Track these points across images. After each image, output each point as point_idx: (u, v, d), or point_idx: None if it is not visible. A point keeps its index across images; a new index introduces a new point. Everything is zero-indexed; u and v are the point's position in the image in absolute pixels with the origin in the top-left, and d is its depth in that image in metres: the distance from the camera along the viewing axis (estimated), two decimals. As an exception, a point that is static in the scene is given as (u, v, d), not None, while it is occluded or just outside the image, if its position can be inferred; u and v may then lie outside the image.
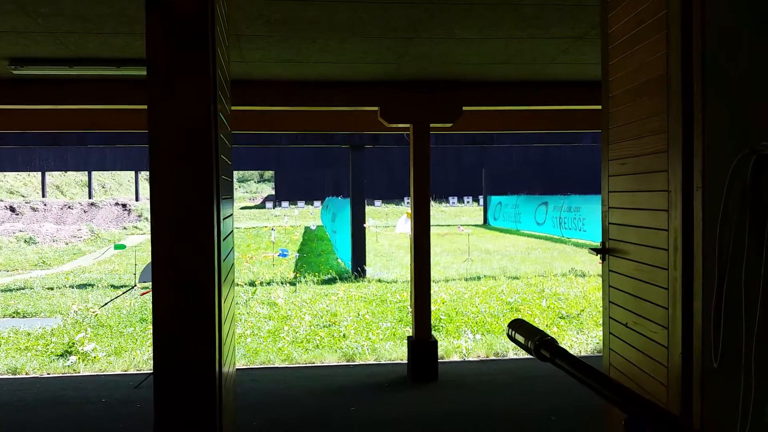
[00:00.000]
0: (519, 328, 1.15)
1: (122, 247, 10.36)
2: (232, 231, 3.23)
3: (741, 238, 1.66)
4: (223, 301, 2.34)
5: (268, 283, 12.64)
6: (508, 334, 1.20)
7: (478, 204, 39.49)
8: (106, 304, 10.19)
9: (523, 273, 13.97)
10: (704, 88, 1.93)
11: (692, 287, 2.04)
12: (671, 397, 2.18)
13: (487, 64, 5.21)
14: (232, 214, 3.19)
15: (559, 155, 42.07)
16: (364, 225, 13.90)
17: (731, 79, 1.81)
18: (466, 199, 43.43)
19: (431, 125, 6.10)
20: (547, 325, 8.85)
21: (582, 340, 8.06)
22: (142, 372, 6.66)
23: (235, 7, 3.59)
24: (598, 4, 3.51)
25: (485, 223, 32.61)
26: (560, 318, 9.25)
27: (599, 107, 6.31)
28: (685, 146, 2.06)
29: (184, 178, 1.94)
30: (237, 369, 5.82)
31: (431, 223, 6.36)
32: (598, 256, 2.81)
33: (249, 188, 64.89)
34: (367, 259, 14.20)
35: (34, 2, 3.50)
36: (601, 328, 8.78)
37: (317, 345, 7.76)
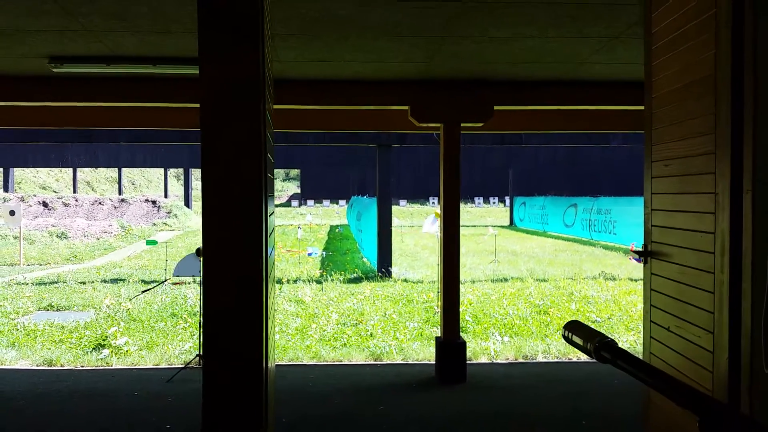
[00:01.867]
0: (576, 329, 1.14)
1: (154, 243, 10.53)
2: (275, 228, 3.27)
3: (796, 242, 1.63)
4: (269, 296, 2.36)
5: (295, 281, 12.73)
6: (564, 336, 1.19)
7: (504, 205, 39.22)
8: (137, 295, 10.37)
9: (551, 275, 13.83)
10: (756, 88, 1.89)
11: (740, 291, 2.00)
12: (716, 403, 2.13)
13: (519, 63, 5.18)
14: (274, 212, 3.23)
15: (588, 156, 41.57)
16: (391, 227, 13.91)
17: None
18: (492, 199, 43.18)
19: (462, 125, 6.08)
20: (575, 328, 8.73)
21: (612, 344, 7.94)
22: (173, 366, 6.76)
23: (270, 3, 3.63)
24: (636, 3, 3.48)
25: (511, 224, 32.37)
26: (590, 322, 9.13)
27: (631, 107, 6.35)
28: (734, 148, 2.02)
29: (236, 174, 1.97)
30: (267, 365, 5.88)
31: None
32: (639, 258, 2.77)
33: (275, 186, 65.42)
34: (392, 258, 14.20)
35: (74, 2, 3.58)
36: (630, 333, 8.70)
37: (345, 343, 7.79)
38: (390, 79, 5.79)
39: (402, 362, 7.03)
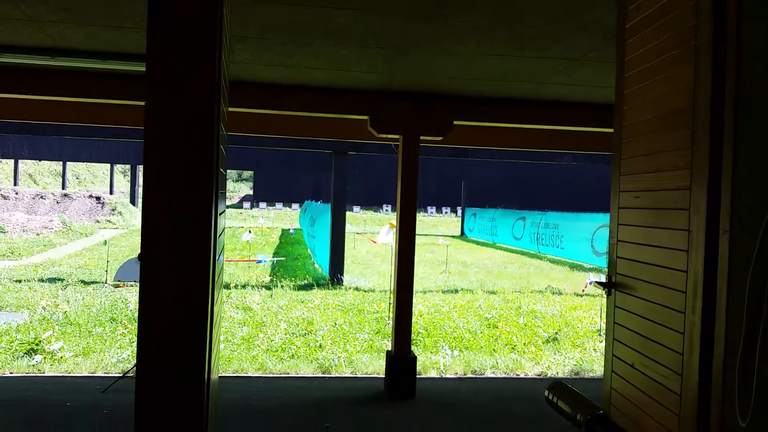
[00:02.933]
0: (563, 395, 1.02)
1: (105, 243, 10.07)
2: (224, 229, 3.08)
3: (779, 291, 1.56)
4: (215, 303, 2.20)
5: (243, 287, 12.39)
6: (547, 398, 1.07)
7: (456, 215, 39.57)
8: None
9: (500, 288, 13.93)
10: (736, 123, 1.83)
11: (712, 335, 1.93)
12: (682, 447, 2.08)
13: (481, 80, 5.13)
14: (225, 211, 3.05)
15: (538, 172, 42.43)
16: (344, 234, 13.74)
17: (770, 119, 1.72)
18: (444, 209, 43.50)
19: (421, 138, 5.99)
20: (525, 344, 8.77)
21: (560, 361, 7.99)
22: (110, 375, 6.40)
23: (229, 7, 3.44)
24: (596, 27, 3.45)
25: (462, 234, 32.66)
26: (537, 337, 9.19)
27: (587, 129, 6.39)
28: (711, 185, 1.96)
29: (183, 166, 1.81)
30: (210, 379, 5.63)
31: (409, 233, 6.24)
32: (604, 290, 2.71)
33: (226, 187, 64.13)
34: (344, 265, 14.03)
35: (16, -13, 3.31)
36: (577, 350, 8.79)
37: (293, 355, 7.57)
38: (350, 88, 5.65)
39: (351, 376, 6.87)
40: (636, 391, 2.42)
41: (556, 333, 9.45)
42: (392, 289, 6.14)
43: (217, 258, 2.21)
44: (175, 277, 1.87)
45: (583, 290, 13.17)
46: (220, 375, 6.59)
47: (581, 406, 0.96)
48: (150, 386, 1.89)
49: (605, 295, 2.74)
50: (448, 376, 7.09)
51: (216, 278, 2.18)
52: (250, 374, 6.78)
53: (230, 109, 5.83)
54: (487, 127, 7.31)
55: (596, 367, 7.66)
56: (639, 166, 2.48)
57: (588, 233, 18.99)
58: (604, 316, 9.98)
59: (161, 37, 1.81)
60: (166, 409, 1.88)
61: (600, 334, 9.38)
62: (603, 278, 10.79)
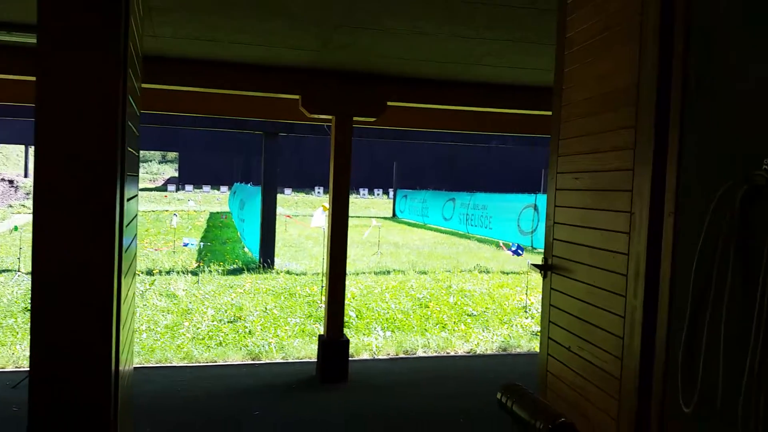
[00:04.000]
0: (520, 398, 0.91)
1: (16, 228, 9.36)
2: (137, 215, 2.84)
3: (724, 275, 1.53)
4: (123, 294, 2.00)
5: (168, 273, 11.88)
6: (499, 401, 0.96)
7: (388, 197, 39.65)
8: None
9: (431, 268, 14.04)
10: (683, 103, 1.79)
11: (655, 319, 1.91)
12: (622, 430, 2.05)
13: (416, 60, 5.01)
14: (137, 195, 2.81)
15: (469, 154, 43.06)
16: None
17: (718, 94, 1.68)
18: (376, 191, 43.50)
19: (354, 118, 5.83)
20: (455, 322, 8.86)
21: (488, 338, 8.12)
22: (21, 369, 5.95)
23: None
24: (531, 7, 3.38)
25: (394, 216, 32.79)
26: (467, 315, 9.31)
27: (519, 111, 6.42)
28: (655, 166, 1.91)
29: (77, 151, 1.60)
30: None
31: (341, 214, 6.11)
32: (540, 272, 2.66)
33: (150, 169, 61.50)
34: (275, 249, 13.73)
35: None
36: (504, 327, 8.96)
37: (220, 342, 7.30)
38: (281, 66, 5.40)
39: (282, 361, 6.70)
40: (574, 375, 2.39)
41: (484, 310, 9.61)
42: (324, 272, 6.00)
43: (124, 244, 2.01)
44: (72, 266, 1.71)
45: (509, 251, 13.45)
46: (139, 366, 6.26)
47: (542, 412, 0.86)
48: (45, 380, 1.73)
49: (541, 277, 2.70)
50: (380, 357, 7.05)
51: (123, 264, 1.98)
52: (174, 364, 6.48)
53: (151, 86, 5.44)
54: (420, 109, 7.22)
55: (522, 343, 7.84)
56: (579, 146, 2.43)
57: (515, 213, 19.48)
58: (530, 293, 10.28)
59: (55, 5, 1.58)
60: (63, 404, 1.73)
61: (526, 311, 9.61)
62: (519, 249, 11.03)
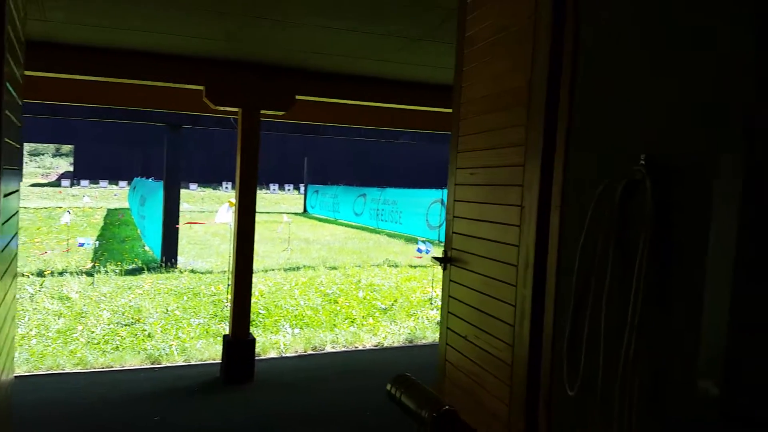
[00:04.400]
0: (408, 389, 0.92)
1: None
2: (17, 212, 2.64)
3: (604, 265, 1.62)
4: None
5: (61, 274, 11.16)
6: (388, 392, 0.97)
7: (299, 192, 39.26)
8: None
9: (341, 263, 14.05)
10: (571, 103, 1.88)
11: (543, 307, 2.00)
12: (513, 416, 2.14)
13: (325, 55, 4.98)
14: (17, 190, 2.61)
15: (378, 149, 43.42)
16: (179, 212, 12.93)
17: (601, 94, 1.78)
18: (287, 186, 42.93)
19: (262, 112, 5.71)
20: (363, 317, 8.92)
21: (395, 330, 8.24)
22: None
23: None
24: (440, 5, 3.46)
25: (305, 211, 32.54)
26: (376, 309, 9.40)
27: (429, 108, 6.55)
28: (544, 162, 2.01)
29: None
30: (16, 377, 4.95)
31: (251, 210, 5.99)
32: (440, 265, 2.73)
33: (42, 163, 57.42)
34: (179, 247, 13.23)
35: None
36: (411, 319, 9.14)
37: (117, 347, 6.94)
38: (185, 55, 5.19)
39: (184, 364, 6.47)
40: (470, 364, 2.47)
41: (392, 304, 9.75)
42: (231, 267, 5.85)
43: (1, 248, 1.86)
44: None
45: (419, 257, 13.73)
46: (26, 374, 5.84)
47: (428, 402, 0.87)
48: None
49: (442, 270, 2.76)
50: (288, 355, 6.97)
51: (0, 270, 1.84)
52: (67, 371, 6.10)
53: (41, 74, 5.07)
54: (331, 104, 7.19)
55: (428, 334, 8.02)
56: (476, 143, 2.51)
57: (424, 208, 19.90)
58: (435, 285, 10.54)
59: None
60: None
61: (431, 303, 9.84)
62: (429, 247, 11.29)
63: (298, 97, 5.75)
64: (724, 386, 1.28)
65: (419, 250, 11.26)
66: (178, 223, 12.85)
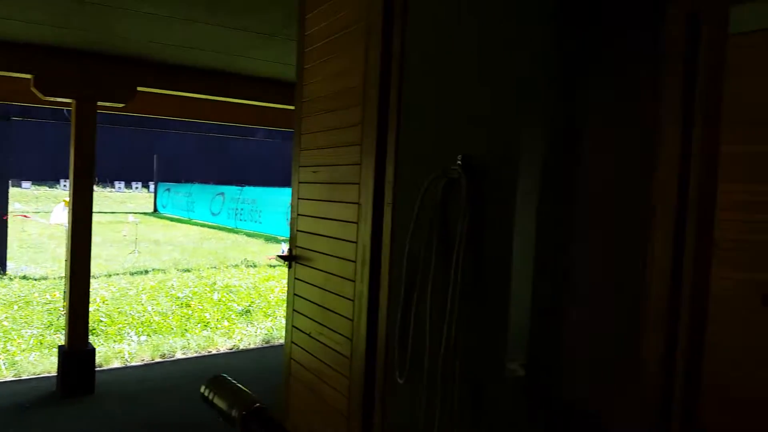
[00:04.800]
0: (220, 389, 0.91)
1: None
2: None
3: (429, 257, 1.72)
4: None
5: None
6: (202, 395, 0.95)
7: (149, 190, 37.06)
8: None
9: (196, 265, 13.51)
10: (399, 104, 1.97)
11: (378, 301, 2.08)
12: (353, 408, 2.20)
13: (170, 46, 4.75)
14: None
15: (235, 146, 42.22)
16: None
17: (425, 95, 1.88)
18: (135, 184, 40.30)
19: (99, 104, 5.33)
20: (218, 320, 8.66)
21: (252, 332, 8.10)
22: None
23: None
24: (282, 4, 3.45)
25: (155, 211, 30.78)
26: (231, 312, 9.16)
27: (281, 106, 6.51)
28: (378, 161, 2.08)
29: None
30: None
31: (94, 210, 5.57)
32: (285, 263, 2.73)
33: None
34: (9, 251, 11.93)
35: None
36: (269, 319, 9.02)
37: (-74, 365, 6.13)
38: (9, 41, 4.70)
39: (14, 379, 5.86)
40: (314, 360, 2.50)
41: (249, 305, 9.56)
42: (66, 272, 5.39)
43: None
44: None
45: (270, 258, 13.64)
46: None
47: (239, 401, 0.87)
48: None
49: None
50: (134, 364, 6.58)
51: None
52: None
53: None
54: (180, 97, 6.86)
55: (284, 334, 7.97)
56: (318, 141, 2.54)
57: (284, 207, 19.68)
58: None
59: None
60: None
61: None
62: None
63: (139, 89, 5.45)
64: (528, 367, 1.42)
65: (283, 251, 11.15)
66: (6, 226, 11.59)
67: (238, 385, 0.95)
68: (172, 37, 4.49)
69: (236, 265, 13.64)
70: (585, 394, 1.35)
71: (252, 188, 24.36)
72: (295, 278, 2.71)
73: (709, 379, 2.49)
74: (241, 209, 22.92)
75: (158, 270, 12.61)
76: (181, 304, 9.44)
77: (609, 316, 1.59)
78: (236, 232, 21.40)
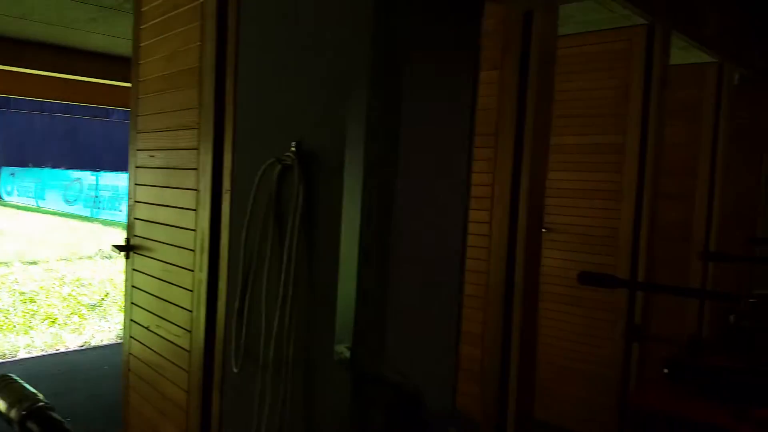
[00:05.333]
0: (4, 389, 0.83)
1: None
2: None
3: (265, 244, 1.70)
4: None
5: None
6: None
7: (-10, 176, 33.44)
8: None
9: (44, 257, 12.42)
10: (236, 87, 1.91)
11: (217, 290, 2.02)
12: (191, 402, 2.13)
13: (9, 17, 4.31)
14: None
15: (90, 129, 39.21)
16: None
17: (262, 84, 1.84)
18: (-29, 168, 36.15)
19: None
20: (67, 315, 8.04)
21: (105, 327, 7.62)
22: None
23: None
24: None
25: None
26: (82, 306, 8.55)
27: (128, 84, 6.13)
28: (216, 145, 2.02)
29: None
30: None
31: None
32: (121, 253, 2.57)
33: None
34: None
35: None
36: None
37: None
38: None
39: None
40: (153, 355, 2.40)
41: (102, 299, 8.98)
42: None
43: None
44: None
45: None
46: None
47: (19, 400, 0.80)
48: None
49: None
50: (-35, 367, 5.93)
51: None
52: None
53: None
54: (26, 74, 6.24)
55: (145, 330, 7.58)
56: (154, 124, 2.42)
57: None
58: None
59: None
60: None
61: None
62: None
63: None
64: (353, 350, 1.45)
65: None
66: None
67: (24, 384, 0.87)
68: (12, 9, 4.08)
69: (90, 257, 12.72)
70: (407, 371, 1.41)
71: (110, 173, 22.81)
72: (134, 269, 2.56)
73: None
74: (99, 197, 21.40)
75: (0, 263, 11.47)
76: (26, 299, 8.65)
77: (432, 299, 1.66)
78: (91, 221, 19.95)
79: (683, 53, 4.17)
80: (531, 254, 2.76)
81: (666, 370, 2.10)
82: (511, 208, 2.77)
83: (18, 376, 0.92)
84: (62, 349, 6.70)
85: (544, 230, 3.72)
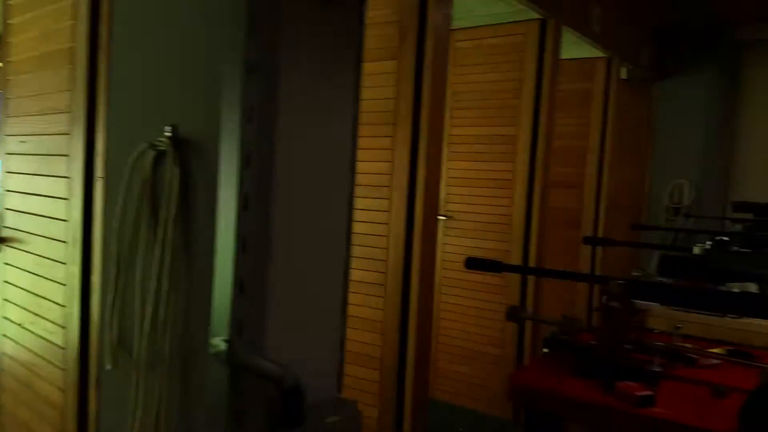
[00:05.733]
0: None
1: None
2: None
3: (138, 234, 1.62)
4: None
5: None
6: None
7: None
8: None
9: None
10: (109, 69, 1.81)
11: (90, 284, 1.92)
12: (68, 402, 2.01)
13: None
14: None
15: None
16: None
17: (136, 65, 1.75)
18: None
19: None
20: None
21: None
22: None
23: None
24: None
25: None
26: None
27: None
28: (88, 130, 1.90)
29: None
30: None
31: None
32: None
33: None
34: None
35: None
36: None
37: None
38: None
39: None
40: (27, 353, 2.24)
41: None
42: None
43: None
44: None
45: None
46: None
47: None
48: None
49: None
50: None
51: None
52: None
53: None
54: None
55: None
56: (26, 107, 2.25)
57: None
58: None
59: None
60: None
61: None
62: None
63: None
64: (229, 342, 1.42)
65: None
66: None
67: None
68: None
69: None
70: (289, 363, 1.39)
71: None
72: (5, 263, 2.38)
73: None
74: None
75: None
76: None
77: (316, 287, 1.65)
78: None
79: (576, 48, 4.37)
80: (427, 241, 2.81)
81: (545, 349, 2.21)
82: (408, 195, 2.81)
83: None
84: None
85: (443, 218, 3.81)
